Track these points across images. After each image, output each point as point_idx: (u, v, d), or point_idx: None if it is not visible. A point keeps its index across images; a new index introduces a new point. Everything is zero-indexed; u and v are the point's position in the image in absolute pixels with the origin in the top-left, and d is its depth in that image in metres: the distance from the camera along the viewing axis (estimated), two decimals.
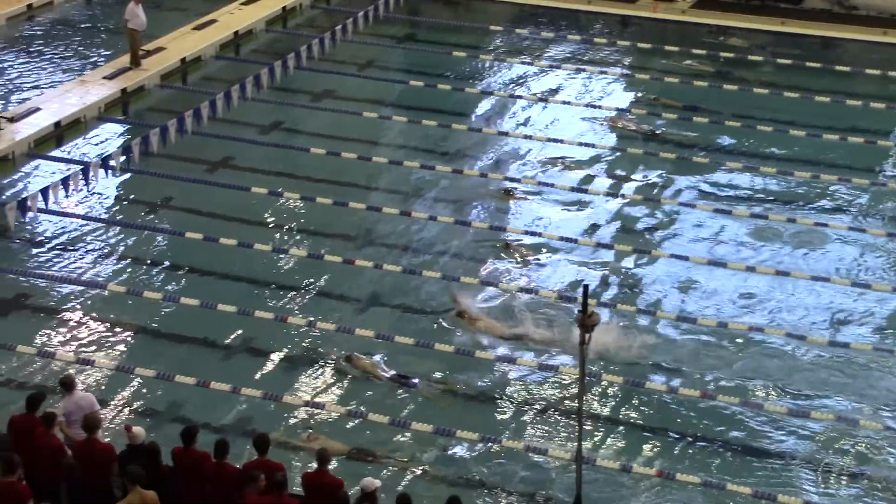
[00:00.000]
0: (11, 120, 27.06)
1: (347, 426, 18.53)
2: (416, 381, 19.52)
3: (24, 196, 23.77)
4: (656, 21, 35.03)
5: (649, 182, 26.16)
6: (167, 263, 22.81)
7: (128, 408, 18.81)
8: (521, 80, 31.16)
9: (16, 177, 25.91)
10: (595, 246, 23.59)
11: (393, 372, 19.71)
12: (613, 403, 19.42)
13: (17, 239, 23.41)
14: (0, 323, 20.98)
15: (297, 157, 26.95)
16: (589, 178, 26.15)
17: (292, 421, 18.64)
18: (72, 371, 18.86)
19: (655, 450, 18.43)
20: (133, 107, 29.33)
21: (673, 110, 29.31)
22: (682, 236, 24.15)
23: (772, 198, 25.63)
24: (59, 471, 15.35)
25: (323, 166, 26.44)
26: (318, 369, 19.89)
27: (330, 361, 20.02)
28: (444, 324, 21.13)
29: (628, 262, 23.15)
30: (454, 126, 28.42)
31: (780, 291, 22.29)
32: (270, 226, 24.16)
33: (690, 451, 18.45)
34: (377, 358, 19.99)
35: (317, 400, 19.06)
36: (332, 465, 16.13)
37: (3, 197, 24.78)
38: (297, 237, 23.77)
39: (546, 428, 18.83)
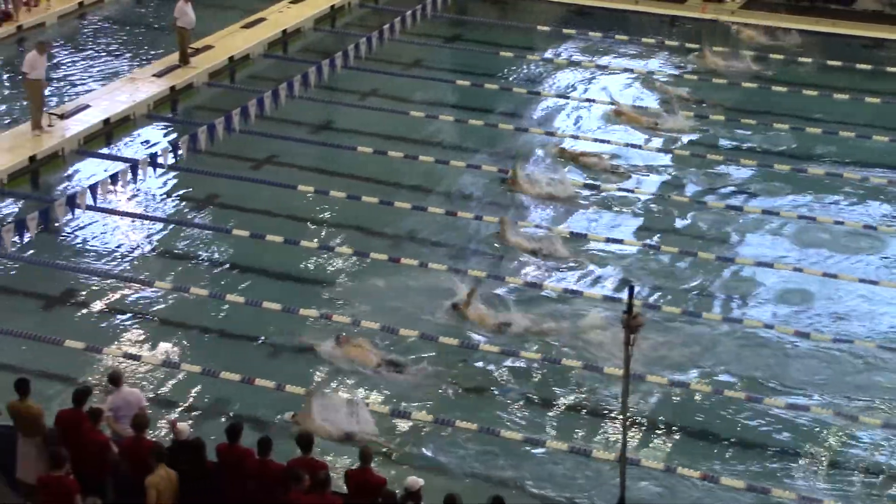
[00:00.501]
0: (62, 117, 27.29)
1: (389, 425, 18.54)
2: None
3: (73, 192, 23.96)
4: (705, 22, 34.86)
5: (695, 183, 26.02)
6: (213, 260, 22.94)
7: (173, 403, 18.93)
8: (567, 80, 31.07)
9: (65, 173, 26.14)
10: (642, 246, 23.54)
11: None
12: (658, 404, 19.32)
13: (65, 235, 23.62)
14: (48, 318, 21.18)
15: (343, 155, 27.01)
16: (634, 179, 26.05)
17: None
18: (119, 366, 19.02)
19: (700, 452, 18.32)
20: (182, 105, 29.52)
21: (720, 111, 29.16)
22: (728, 237, 24.01)
23: (820, 199, 25.43)
24: (105, 466, 15.46)
25: (369, 165, 26.49)
26: (363, 367, 19.88)
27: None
28: (440, 317, 21.14)
29: (673, 263, 23.04)
30: (501, 126, 28.40)
31: (827, 294, 22.12)
32: (316, 224, 24.22)
33: (735, 454, 18.32)
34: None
35: (359, 397, 19.06)
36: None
37: (53, 193, 25.02)
38: (343, 235, 23.81)
39: (589, 429, 18.76)
